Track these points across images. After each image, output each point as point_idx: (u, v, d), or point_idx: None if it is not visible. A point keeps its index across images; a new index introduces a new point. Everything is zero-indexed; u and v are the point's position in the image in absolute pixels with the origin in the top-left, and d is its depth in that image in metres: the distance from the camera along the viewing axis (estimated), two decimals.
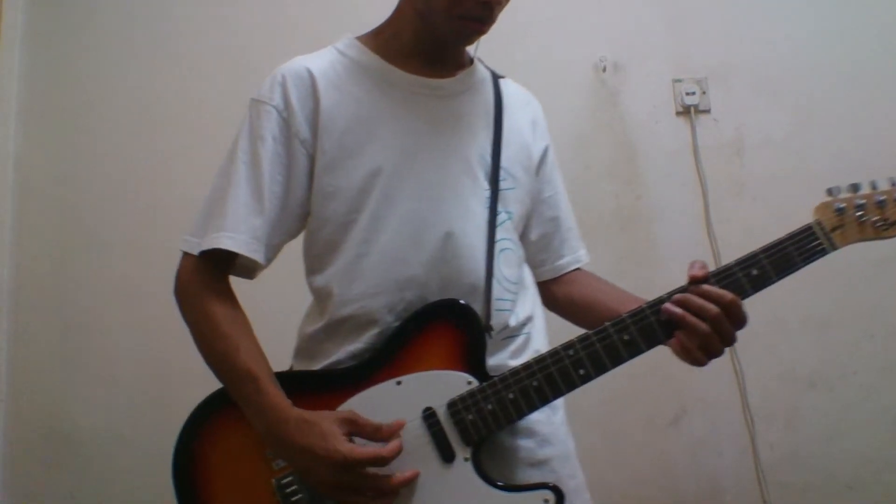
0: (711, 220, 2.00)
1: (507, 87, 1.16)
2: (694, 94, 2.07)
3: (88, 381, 1.97)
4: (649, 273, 1.97)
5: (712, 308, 0.90)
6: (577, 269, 1.20)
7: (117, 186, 2.06)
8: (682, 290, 0.94)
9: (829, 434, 1.92)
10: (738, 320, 0.92)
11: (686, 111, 2.07)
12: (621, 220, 2.03)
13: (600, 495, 1.94)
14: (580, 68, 2.11)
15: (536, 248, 1.18)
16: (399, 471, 0.90)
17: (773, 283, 0.93)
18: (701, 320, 0.90)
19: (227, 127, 1.07)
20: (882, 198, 0.94)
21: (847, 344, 1.95)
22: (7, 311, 2.01)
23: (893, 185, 0.95)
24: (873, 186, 0.95)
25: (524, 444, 1.01)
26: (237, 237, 0.98)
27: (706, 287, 0.92)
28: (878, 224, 0.93)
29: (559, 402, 1.09)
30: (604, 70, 2.10)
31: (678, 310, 0.91)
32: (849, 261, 2.01)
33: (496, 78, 1.16)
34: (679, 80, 2.09)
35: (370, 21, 1.12)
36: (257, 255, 0.99)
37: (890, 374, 1.93)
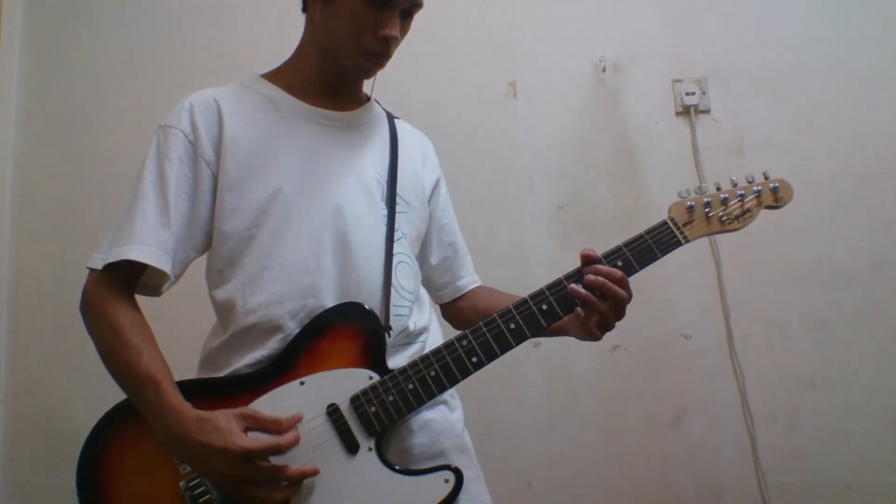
0: None
1: (401, 126, 1.25)
2: (694, 94, 2.07)
3: (88, 381, 1.97)
4: (648, 273, 1.95)
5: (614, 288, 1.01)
6: (478, 286, 1.33)
7: (117, 187, 2.05)
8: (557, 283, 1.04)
9: (828, 434, 1.92)
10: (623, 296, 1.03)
11: (686, 111, 2.08)
12: (621, 220, 2.03)
13: (600, 495, 1.96)
14: (580, 68, 2.11)
15: (438, 272, 1.30)
16: (301, 463, 0.94)
17: (636, 272, 1.04)
18: (601, 299, 1.02)
19: None
20: (725, 196, 1.06)
21: (847, 344, 1.95)
22: (7, 311, 2.01)
23: (735, 185, 1.06)
24: (717, 187, 1.07)
25: (420, 440, 1.07)
26: (145, 249, 1.00)
27: (597, 267, 1.03)
28: (723, 218, 1.05)
29: (457, 403, 1.18)
30: (604, 70, 2.11)
31: (582, 290, 1.02)
32: (849, 261, 2.03)
33: (391, 118, 1.25)
34: (679, 81, 2.09)
35: None
36: (165, 266, 1.02)
37: (890, 374, 1.93)
